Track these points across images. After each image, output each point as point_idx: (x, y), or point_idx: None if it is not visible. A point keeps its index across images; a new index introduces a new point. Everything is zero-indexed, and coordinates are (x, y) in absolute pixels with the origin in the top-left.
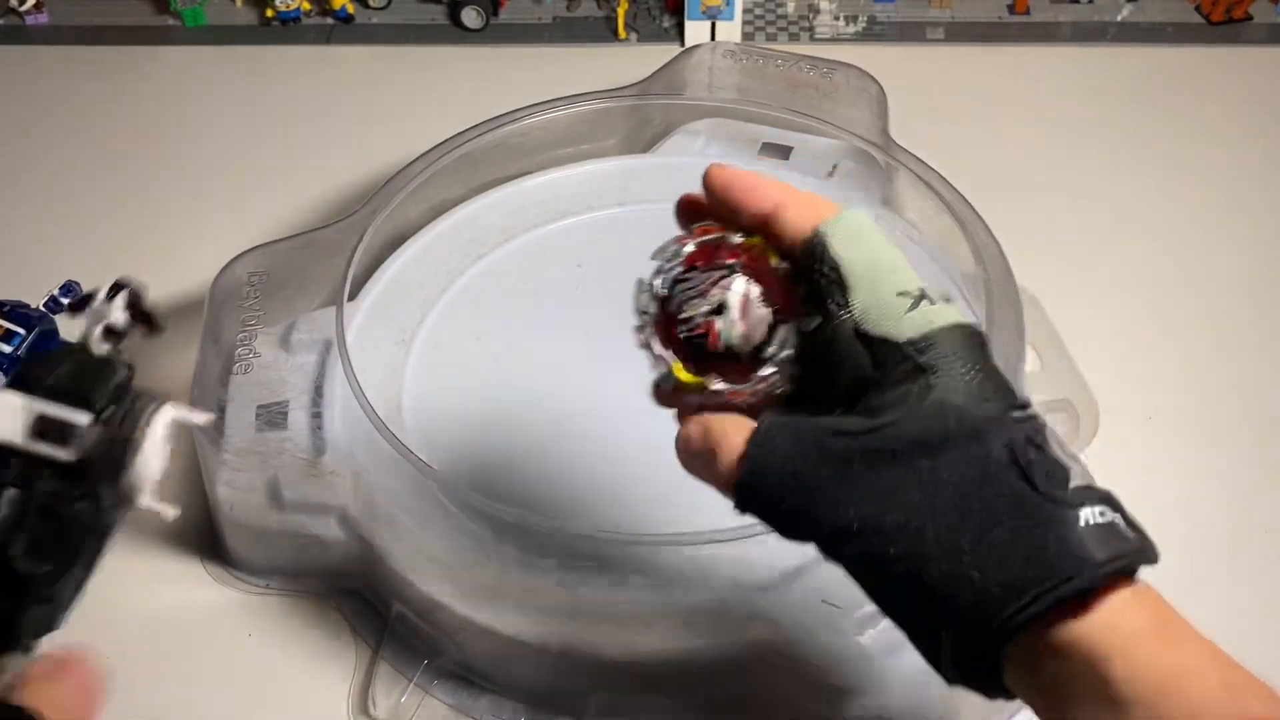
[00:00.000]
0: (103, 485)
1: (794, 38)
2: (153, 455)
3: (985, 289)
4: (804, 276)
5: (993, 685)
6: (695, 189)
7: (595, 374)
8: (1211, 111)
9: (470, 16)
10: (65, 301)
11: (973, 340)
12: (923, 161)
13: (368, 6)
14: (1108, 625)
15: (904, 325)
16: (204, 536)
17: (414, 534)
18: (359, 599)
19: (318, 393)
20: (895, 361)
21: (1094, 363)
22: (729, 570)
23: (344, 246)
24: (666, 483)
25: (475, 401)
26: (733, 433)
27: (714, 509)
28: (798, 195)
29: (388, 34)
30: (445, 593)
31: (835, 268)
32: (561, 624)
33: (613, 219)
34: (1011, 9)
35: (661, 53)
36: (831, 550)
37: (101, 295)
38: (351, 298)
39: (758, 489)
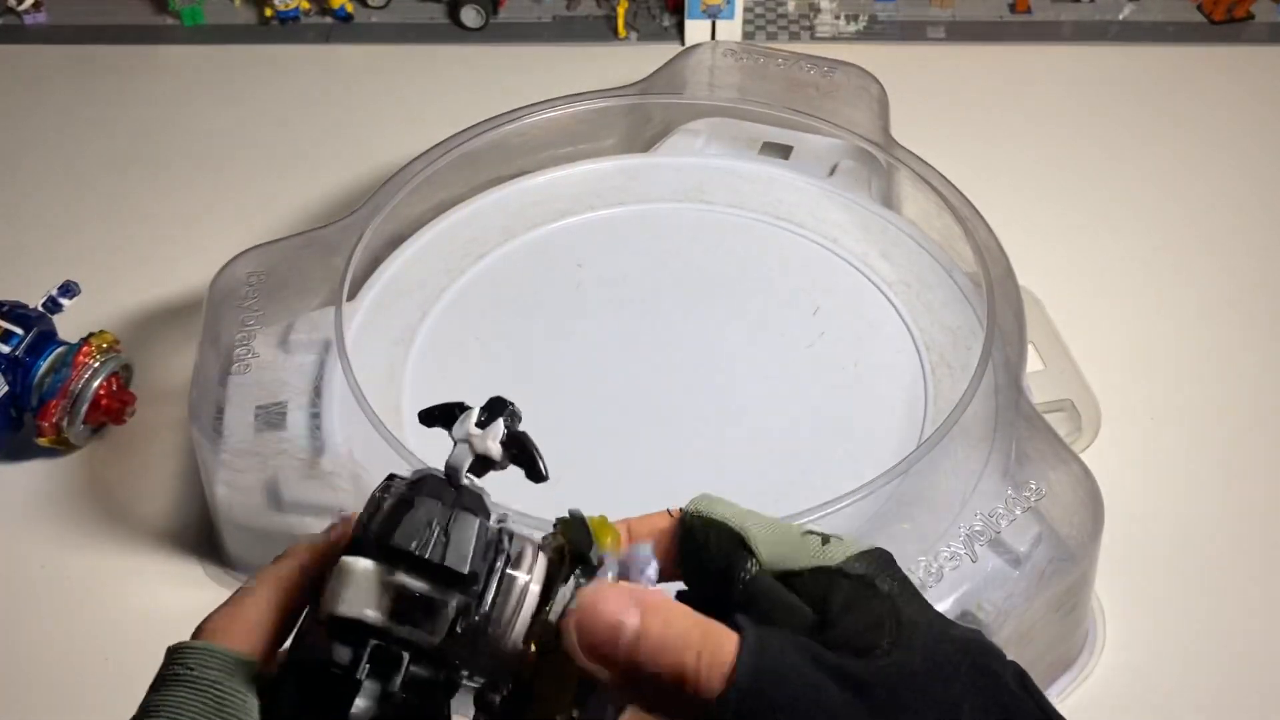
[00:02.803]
0: (472, 668)
1: (794, 37)
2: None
3: (986, 288)
4: (685, 563)
5: None
6: (694, 188)
7: (595, 373)
8: (1213, 110)
9: (470, 15)
10: (63, 301)
11: (893, 562)
12: (924, 160)
13: (367, 5)
14: None
15: (829, 555)
16: (203, 537)
17: None
18: None
19: (317, 393)
20: (841, 590)
21: (1095, 363)
22: None
23: (343, 246)
24: (666, 481)
25: (475, 401)
26: (711, 631)
27: None
28: (636, 524)
29: (387, 33)
30: None
31: (721, 526)
32: None
33: (613, 219)
34: (1013, 8)
35: (661, 52)
36: None
37: (474, 416)
38: (351, 298)
39: (758, 709)
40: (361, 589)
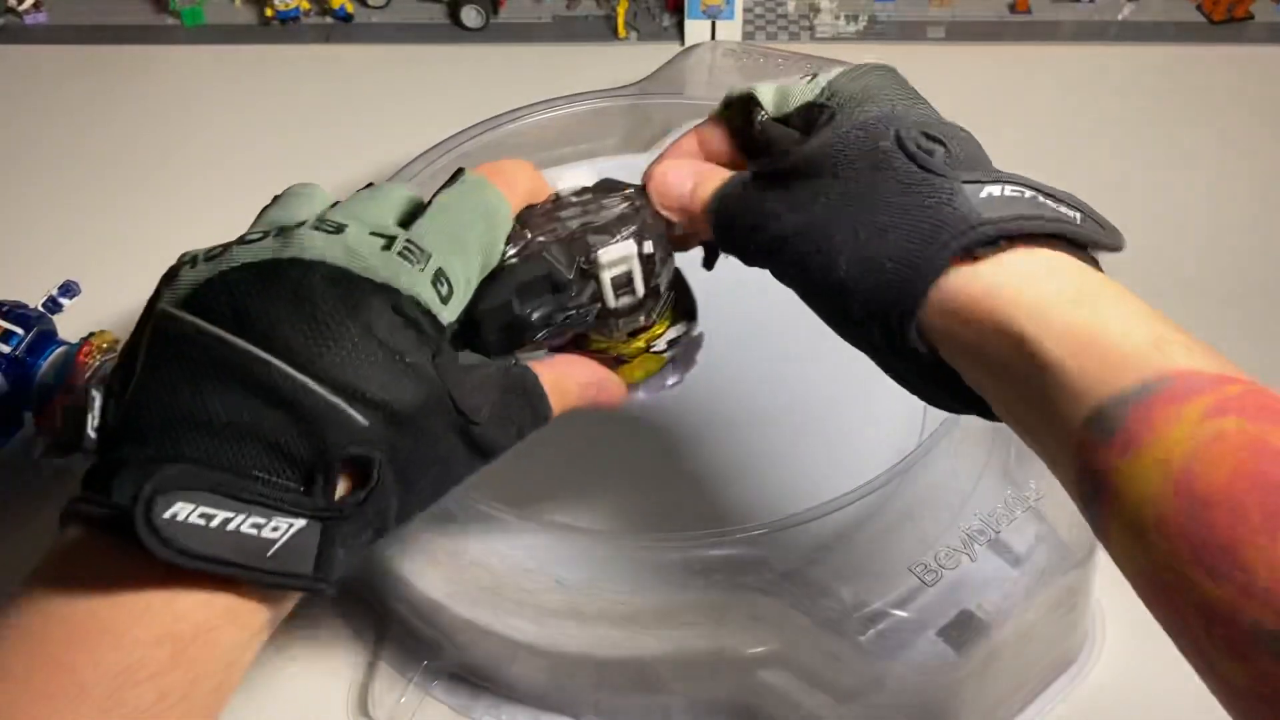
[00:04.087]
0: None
1: (794, 37)
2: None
3: None
4: (737, 137)
5: (941, 384)
6: None
7: None
8: (1213, 110)
9: (470, 15)
10: (64, 302)
11: (879, 71)
12: None
13: (367, 5)
14: (1014, 288)
15: (809, 90)
16: None
17: (414, 534)
18: (358, 600)
19: None
20: (815, 119)
21: None
22: (729, 570)
23: None
24: (666, 482)
25: None
26: (710, 177)
27: (714, 508)
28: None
29: (387, 33)
30: (445, 593)
31: (747, 94)
32: (561, 624)
33: None
34: (1012, 8)
35: (661, 52)
36: (774, 266)
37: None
38: None
39: (722, 214)
40: (624, 254)
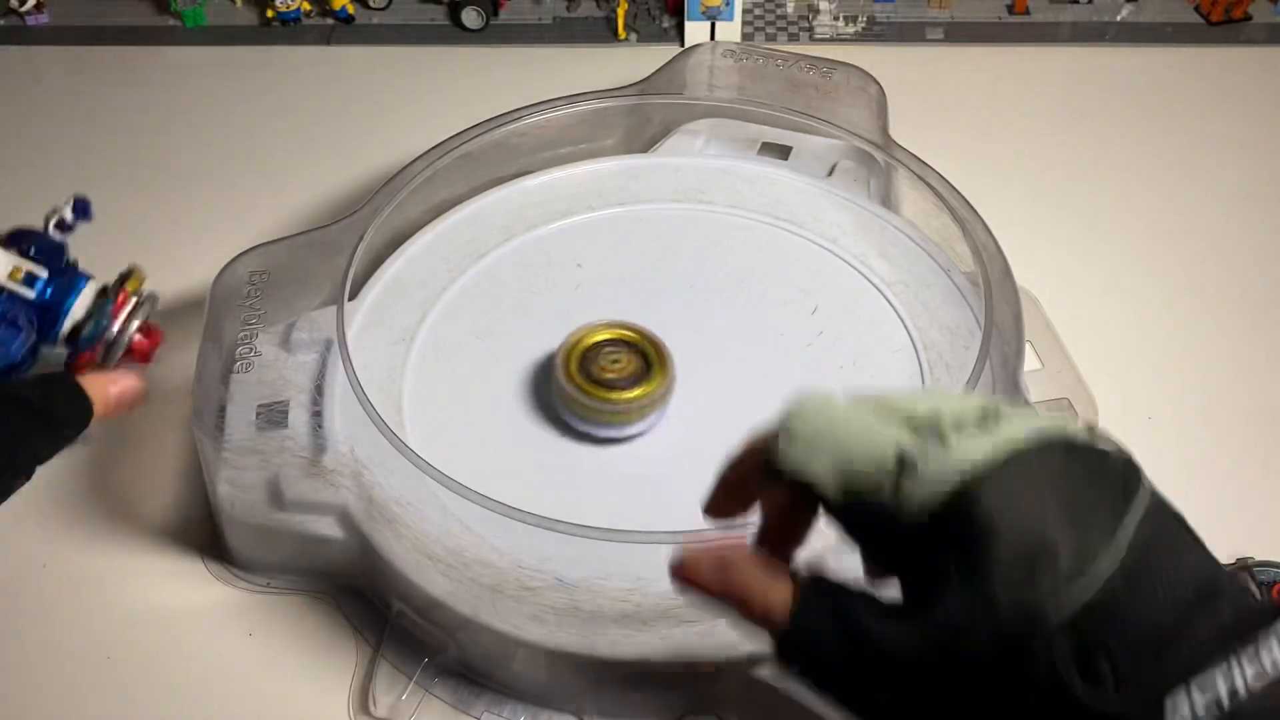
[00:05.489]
0: None
1: (793, 38)
2: None
3: (984, 288)
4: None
5: None
6: (694, 188)
7: None
8: (1210, 111)
9: (470, 17)
10: (80, 223)
11: (1045, 461)
12: (922, 161)
13: (368, 7)
14: None
15: (936, 479)
16: (205, 535)
17: (414, 533)
18: (359, 598)
19: (318, 392)
20: (944, 531)
21: (1093, 362)
22: None
23: (344, 246)
24: (666, 480)
25: (475, 400)
26: (770, 584)
27: None
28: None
29: (388, 34)
30: (445, 591)
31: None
32: (561, 622)
33: (613, 219)
34: (1011, 9)
35: (661, 53)
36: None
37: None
38: (352, 297)
39: (800, 653)
40: None
